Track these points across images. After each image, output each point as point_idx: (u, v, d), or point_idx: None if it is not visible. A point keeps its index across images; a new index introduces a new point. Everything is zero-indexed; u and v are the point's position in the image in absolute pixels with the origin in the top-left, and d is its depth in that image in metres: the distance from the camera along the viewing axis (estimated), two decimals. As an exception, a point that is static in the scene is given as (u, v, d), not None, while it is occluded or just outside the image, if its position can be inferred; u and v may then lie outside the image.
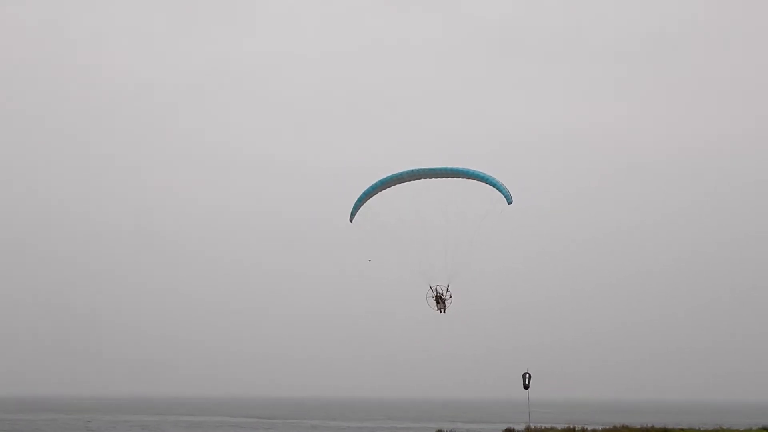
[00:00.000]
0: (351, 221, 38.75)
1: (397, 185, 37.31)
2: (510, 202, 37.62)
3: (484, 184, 37.27)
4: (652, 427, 50.24)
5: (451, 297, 38.30)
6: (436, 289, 38.14)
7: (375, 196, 37.96)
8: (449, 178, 36.90)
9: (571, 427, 48.84)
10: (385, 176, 37.69)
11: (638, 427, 50.48)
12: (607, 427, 51.69)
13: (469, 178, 37.04)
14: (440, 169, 36.77)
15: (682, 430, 50.32)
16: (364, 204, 38.07)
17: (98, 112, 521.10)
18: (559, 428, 48.99)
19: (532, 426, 50.88)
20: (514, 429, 50.51)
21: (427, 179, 36.85)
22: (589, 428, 49.83)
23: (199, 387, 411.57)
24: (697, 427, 52.21)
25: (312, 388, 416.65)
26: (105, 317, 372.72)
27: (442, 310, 38.45)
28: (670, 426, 51.43)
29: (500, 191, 37.23)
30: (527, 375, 50.75)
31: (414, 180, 37.00)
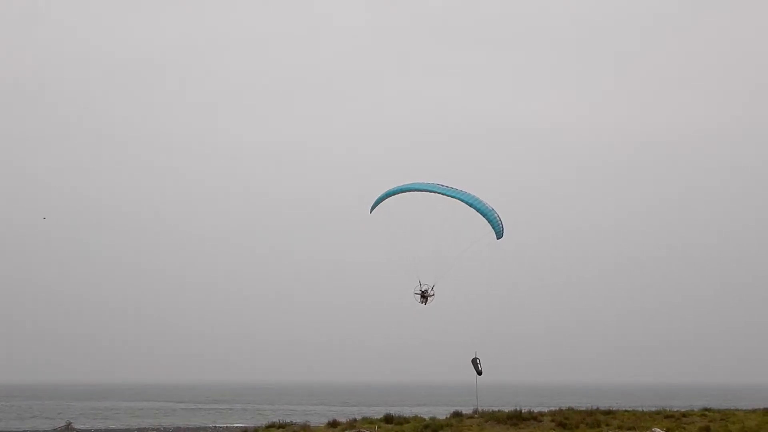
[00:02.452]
0: (371, 212, 45.12)
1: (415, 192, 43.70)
2: (499, 238, 43.68)
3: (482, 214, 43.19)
4: (597, 409, 50.97)
5: (433, 295, 44.63)
6: (423, 285, 44.54)
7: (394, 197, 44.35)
8: (454, 199, 43.02)
9: (519, 409, 49.36)
10: (413, 183, 44.11)
11: (584, 409, 51.19)
12: (554, 409, 52.34)
13: (471, 207, 43.04)
14: (453, 194, 43.07)
15: (626, 411, 51.14)
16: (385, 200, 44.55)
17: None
18: (506, 411, 49.54)
19: (480, 409, 51.34)
20: (462, 412, 50.93)
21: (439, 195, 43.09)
22: (536, 410, 50.41)
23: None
24: (641, 409, 53.04)
25: (272, 372, 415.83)
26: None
27: (424, 303, 44.86)
28: (614, 408, 52.16)
29: (493, 227, 43.10)
30: (477, 360, 51.37)
31: (432, 193, 43.29)
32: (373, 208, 45.30)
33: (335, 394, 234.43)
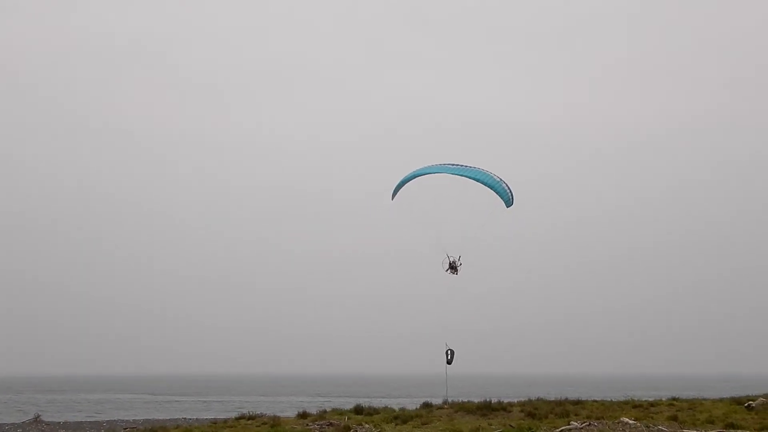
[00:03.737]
0: (392, 199, 47.21)
1: (433, 174, 45.83)
2: (508, 206, 45.97)
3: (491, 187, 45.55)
4: (566, 399, 51.27)
5: (461, 265, 46.69)
6: (450, 257, 46.61)
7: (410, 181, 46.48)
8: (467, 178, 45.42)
9: (488, 400, 49.52)
10: (427, 167, 45.99)
11: (552, 399, 51.45)
12: (523, 399, 52.57)
13: (478, 182, 45.42)
14: (461, 172, 45.41)
15: (594, 401, 51.45)
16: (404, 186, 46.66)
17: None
18: (476, 401, 49.69)
19: (450, 400, 51.47)
20: (431, 403, 51.03)
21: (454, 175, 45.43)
22: (505, 401, 50.58)
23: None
24: (610, 399, 53.38)
25: (241, 364, 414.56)
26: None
27: (455, 273, 46.85)
28: (583, 398, 52.46)
29: (501, 196, 45.64)
30: (449, 351, 51.51)
31: (450, 174, 45.48)
32: (394, 195, 47.40)
33: (305, 386, 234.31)
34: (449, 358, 51.00)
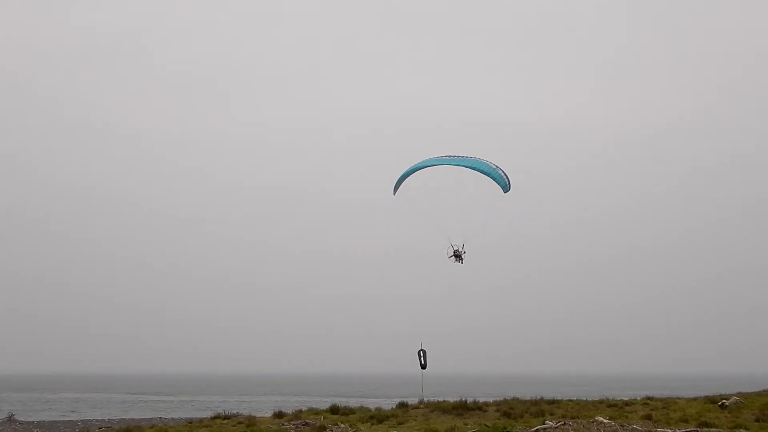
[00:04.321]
0: (394, 194, 48.03)
1: (432, 167, 46.77)
2: (506, 191, 46.78)
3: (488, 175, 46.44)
4: (541, 398, 51.43)
5: (465, 252, 47.00)
6: (453, 246, 47.07)
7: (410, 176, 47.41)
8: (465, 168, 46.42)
9: (464, 400, 49.63)
10: (426, 160, 47.00)
11: (528, 399, 51.60)
12: (498, 399, 52.70)
13: (475, 171, 46.27)
14: (458, 162, 46.48)
15: (570, 401, 51.66)
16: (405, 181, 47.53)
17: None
18: (452, 401, 49.79)
19: (426, 399, 51.55)
20: (407, 402, 51.08)
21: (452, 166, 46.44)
22: (481, 401, 50.70)
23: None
24: (585, 399, 53.59)
25: (222, 363, 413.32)
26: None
27: (461, 262, 47.15)
28: (558, 398, 52.67)
29: (498, 182, 46.46)
30: (422, 352, 51.62)
31: (448, 165, 46.45)
32: (395, 190, 48.18)
33: (282, 385, 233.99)
34: (423, 361, 51.17)
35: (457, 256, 47.08)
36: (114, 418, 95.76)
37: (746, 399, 49.76)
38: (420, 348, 51.80)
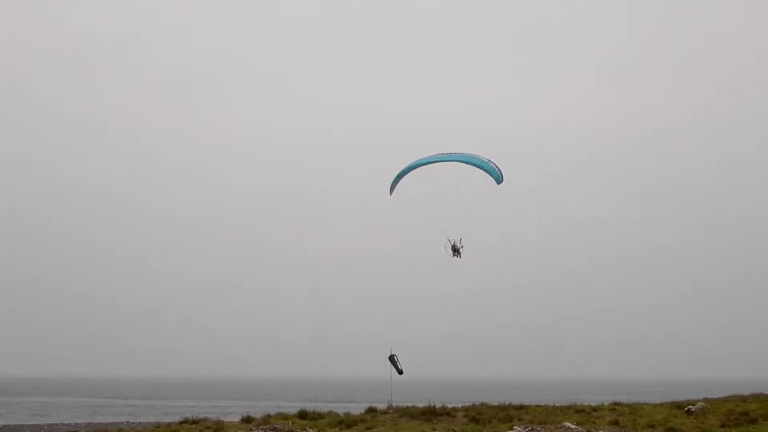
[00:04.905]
0: (391, 194, 48.80)
1: (427, 165, 47.63)
2: (499, 183, 47.51)
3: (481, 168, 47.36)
4: (509, 404, 51.59)
5: (463, 246, 47.39)
6: (451, 240, 47.34)
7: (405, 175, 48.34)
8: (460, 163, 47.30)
9: (432, 405, 49.69)
10: (420, 159, 47.87)
11: (496, 404, 51.74)
12: (467, 404, 52.83)
13: (468, 164, 47.21)
14: (451, 158, 47.35)
15: (538, 406, 51.87)
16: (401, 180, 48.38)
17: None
18: (420, 406, 49.84)
19: (394, 405, 51.56)
20: (376, 408, 51.10)
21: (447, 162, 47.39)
22: (450, 406, 50.80)
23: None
24: (553, 404, 53.85)
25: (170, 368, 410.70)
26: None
27: (459, 256, 47.47)
28: (526, 403, 52.87)
29: (491, 174, 47.20)
30: (394, 356, 51.68)
31: (442, 162, 47.35)
32: (391, 189, 48.92)
33: (250, 390, 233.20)
34: (398, 366, 51.24)
35: (455, 250, 47.54)
36: (81, 422, 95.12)
37: (712, 405, 50.22)
38: (390, 353, 51.88)
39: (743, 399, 53.69)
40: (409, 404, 51.62)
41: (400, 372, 51.48)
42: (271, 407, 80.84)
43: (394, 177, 48.84)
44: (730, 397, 56.53)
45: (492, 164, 47.65)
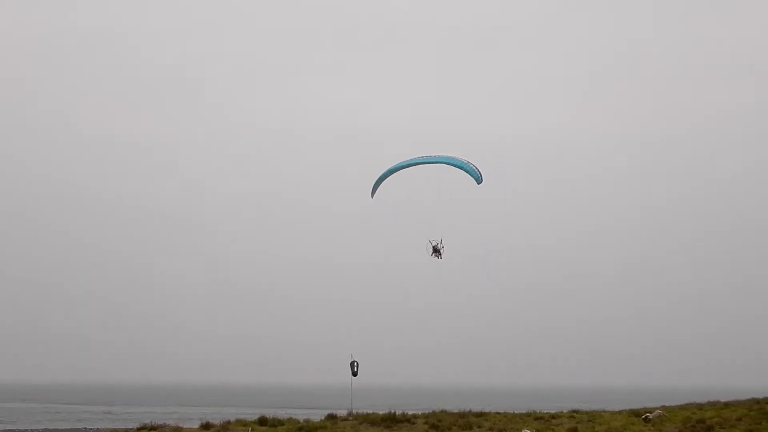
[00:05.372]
0: (372, 197, 49.30)
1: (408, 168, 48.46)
2: (479, 183, 48.13)
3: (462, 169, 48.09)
4: (470, 411, 51.81)
5: (443, 247, 47.81)
6: (432, 242, 47.84)
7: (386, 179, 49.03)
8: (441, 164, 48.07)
9: (393, 412, 49.75)
10: (400, 162, 48.58)
11: (456, 411, 51.93)
12: (427, 411, 52.96)
13: (449, 165, 47.99)
14: (432, 160, 48.04)
15: (497, 413, 52.12)
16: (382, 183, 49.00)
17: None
18: (381, 413, 49.89)
19: (355, 411, 51.59)
20: (336, 414, 51.06)
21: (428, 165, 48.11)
22: (410, 413, 50.90)
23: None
24: (512, 411, 54.13)
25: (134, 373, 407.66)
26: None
27: (440, 257, 47.99)
28: (486, 410, 53.10)
29: (471, 174, 47.85)
30: (354, 363, 51.78)
31: (422, 164, 48.08)
32: (373, 193, 49.41)
33: (209, 395, 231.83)
34: (355, 370, 51.36)
35: (436, 250, 47.99)
36: (39, 428, 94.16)
37: (669, 412, 50.78)
38: (352, 359, 52.04)
39: (700, 407, 54.32)
40: (370, 411, 51.67)
41: (355, 374, 51.73)
42: (231, 413, 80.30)
43: (374, 180, 49.40)
44: (687, 404, 57.15)
45: (472, 165, 48.36)
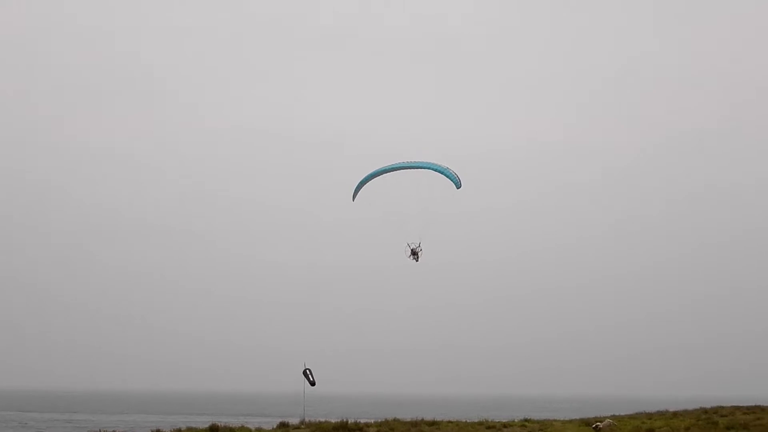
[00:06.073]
0: (353, 200, 50.36)
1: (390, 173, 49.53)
2: (458, 188, 49.36)
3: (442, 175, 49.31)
4: (422, 419, 51.79)
5: (422, 250, 49.25)
6: (411, 245, 49.23)
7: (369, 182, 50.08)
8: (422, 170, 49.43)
9: (345, 420, 49.61)
10: (382, 167, 49.67)
11: (408, 419, 51.90)
12: (379, 419, 52.89)
13: (430, 170, 49.24)
14: (417, 164, 49.45)
15: (450, 422, 52.17)
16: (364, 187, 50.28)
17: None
18: (333, 421, 49.74)
19: (307, 419, 51.40)
20: (288, 422, 50.83)
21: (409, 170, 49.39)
22: (362, 421, 50.79)
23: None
24: (465, 420, 54.22)
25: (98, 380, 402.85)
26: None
27: (416, 260, 49.32)
28: (438, 419, 53.13)
29: (451, 180, 49.14)
30: (308, 371, 51.59)
31: (404, 170, 49.42)
32: (354, 196, 50.52)
33: (158, 403, 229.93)
34: (310, 378, 51.18)
35: (414, 253, 49.19)
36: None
37: (619, 422, 51.18)
38: (305, 367, 51.84)
39: (649, 416, 54.83)
40: (322, 419, 51.50)
41: (312, 384, 51.55)
42: (181, 421, 79.68)
43: (356, 184, 50.39)
44: (637, 414, 57.66)
45: (451, 171, 49.47)
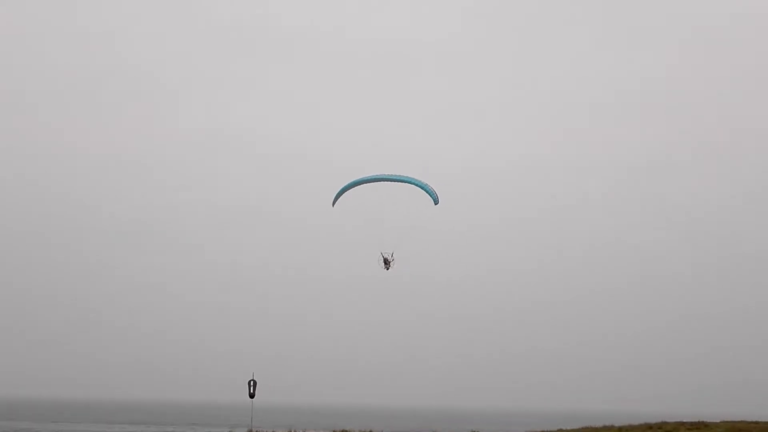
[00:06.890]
0: (333, 206, 51.67)
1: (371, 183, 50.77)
2: (436, 204, 50.79)
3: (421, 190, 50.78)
4: (370, 431, 51.93)
5: (394, 260, 50.47)
6: (384, 254, 50.40)
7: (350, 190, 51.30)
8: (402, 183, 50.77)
9: (293, 430, 49.65)
10: (363, 177, 51.04)
11: (357, 430, 52.00)
12: (328, 430, 52.95)
13: (410, 184, 50.65)
14: (398, 178, 50.77)
15: (397, 434, 52.33)
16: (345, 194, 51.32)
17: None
18: (281, 431, 49.72)
19: (255, 430, 51.37)
20: (235, 432, 50.68)
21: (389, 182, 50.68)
22: (310, 431, 50.82)
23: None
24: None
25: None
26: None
27: (388, 268, 50.66)
28: (387, 431, 53.26)
29: (430, 195, 50.64)
30: (252, 382, 51.64)
31: (384, 181, 50.60)
32: (334, 202, 51.72)
33: (112, 412, 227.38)
34: (252, 390, 51.25)
35: (386, 262, 50.41)
36: None
37: (566, 436, 51.61)
38: (251, 378, 51.81)
39: (595, 430, 55.36)
40: (269, 429, 51.40)
41: (252, 396, 51.76)
42: (129, 431, 79.13)
43: (338, 190, 51.46)
44: (584, 428, 58.20)
45: (430, 187, 50.83)
